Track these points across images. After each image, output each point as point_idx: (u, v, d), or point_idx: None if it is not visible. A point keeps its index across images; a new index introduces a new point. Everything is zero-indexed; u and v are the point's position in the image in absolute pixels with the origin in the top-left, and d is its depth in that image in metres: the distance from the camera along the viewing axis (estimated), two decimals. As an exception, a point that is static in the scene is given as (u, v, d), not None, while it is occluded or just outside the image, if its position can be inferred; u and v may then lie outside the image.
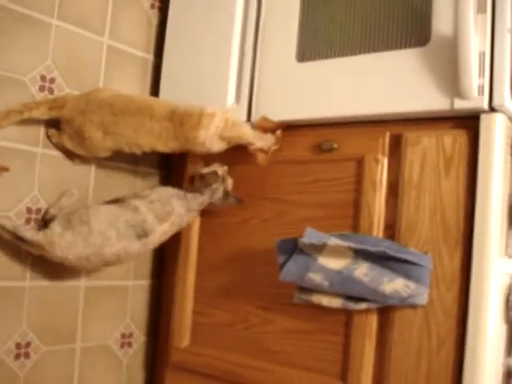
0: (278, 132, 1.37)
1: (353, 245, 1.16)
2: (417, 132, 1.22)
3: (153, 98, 1.48)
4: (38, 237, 1.26)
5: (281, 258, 1.23)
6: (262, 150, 1.36)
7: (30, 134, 1.39)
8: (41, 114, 1.35)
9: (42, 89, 1.41)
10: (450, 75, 1.16)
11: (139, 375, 1.67)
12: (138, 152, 1.38)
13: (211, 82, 1.49)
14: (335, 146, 1.31)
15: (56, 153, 1.45)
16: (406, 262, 1.14)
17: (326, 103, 1.32)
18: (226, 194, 1.44)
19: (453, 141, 1.17)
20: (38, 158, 1.41)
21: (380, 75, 1.25)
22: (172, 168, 1.69)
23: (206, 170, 1.43)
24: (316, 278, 1.18)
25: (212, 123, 1.34)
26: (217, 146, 1.37)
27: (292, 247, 1.22)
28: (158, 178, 1.68)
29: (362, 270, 1.16)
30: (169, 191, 1.40)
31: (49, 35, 1.42)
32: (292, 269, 1.21)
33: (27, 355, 1.40)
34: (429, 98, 1.18)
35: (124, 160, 1.58)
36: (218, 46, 1.49)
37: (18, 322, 1.38)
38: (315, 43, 1.37)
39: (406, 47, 1.23)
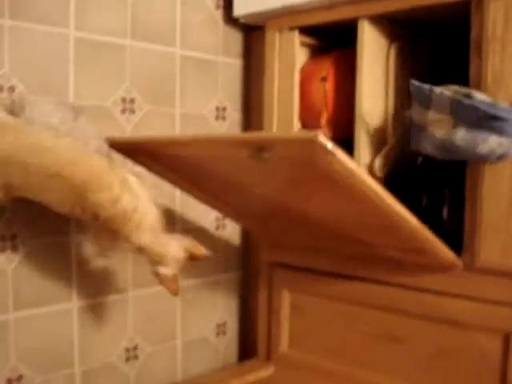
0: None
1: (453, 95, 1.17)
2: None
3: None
4: None
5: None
6: (173, 279, 1.23)
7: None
8: None
9: (123, 111, 1.47)
10: None
11: (234, 361, 1.81)
12: None
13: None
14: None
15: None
16: (498, 118, 1.15)
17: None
18: None
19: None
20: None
21: None
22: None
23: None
24: (428, 148, 1.24)
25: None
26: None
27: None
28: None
29: (460, 135, 1.18)
30: None
31: (124, 57, 1.47)
32: (413, 138, 1.27)
33: (136, 357, 1.55)
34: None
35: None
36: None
37: (124, 330, 1.52)
38: None
39: None
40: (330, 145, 0.94)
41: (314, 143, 0.93)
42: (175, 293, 1.25)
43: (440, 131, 1.22)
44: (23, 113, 1.13)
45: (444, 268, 1.28)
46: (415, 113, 1.26)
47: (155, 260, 1.20)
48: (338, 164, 0.98)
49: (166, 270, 1.20)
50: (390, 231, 1.22)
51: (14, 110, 1.14)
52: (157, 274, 1.21)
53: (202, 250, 1.25)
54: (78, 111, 1.21)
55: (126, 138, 1.41)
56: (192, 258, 1.24)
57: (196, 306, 1.67)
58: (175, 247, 1.21)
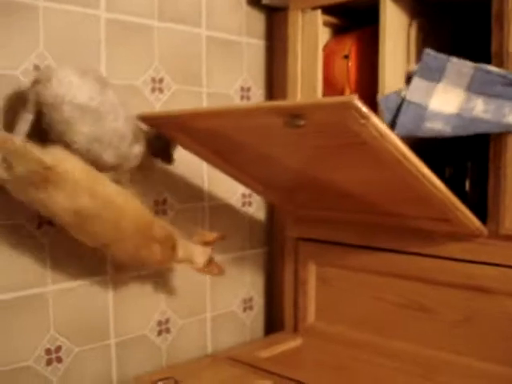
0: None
1: (478, 65, 1.19)
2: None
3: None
4: None
5: (388, 117, 1.27)
6: (209, 265, 1.44)
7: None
8: None
9: (153, 90, 1.51)
10: None
11: (261, 336, 1.86)
12: None
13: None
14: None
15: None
16: None
17: None
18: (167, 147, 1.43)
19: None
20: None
21: None
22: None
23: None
24: (436, 125, 1.23)
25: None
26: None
27: (398, 99, 1.27)
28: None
29: (480, 107, 1.20)
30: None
31: (152, 37, 1.51)
32: (405, 122, 1.24)
33: (168, 330, 1.60)
34: None
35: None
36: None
37: (156, 303, 1.57)
38: None
39: None
40: (364, 108, 0.97)
41: (349, 107, 0.97)
42: (220, 273, 1.47)
43: (450, 106, 1.23)
44: (50, 84, 1.16)
45: (470, 236, 1.31)
46: (415, 90, 1.26)
47: (189, 262, 1.42)
48: (372, 128, 1.01)
49: (198, 265, 1.43)
50: (418, 200, 1.25)
51: (40, 80, 1.17)
52: (197, 270, 1.44)
53: (208, 236, 1.45)
54: (104, 83, 1.24)
55: (156, 112, 1.45)
56: (207, 244, 1.43)
57: (223, 281, 1.71)
58: (192, 246, 1.41)
